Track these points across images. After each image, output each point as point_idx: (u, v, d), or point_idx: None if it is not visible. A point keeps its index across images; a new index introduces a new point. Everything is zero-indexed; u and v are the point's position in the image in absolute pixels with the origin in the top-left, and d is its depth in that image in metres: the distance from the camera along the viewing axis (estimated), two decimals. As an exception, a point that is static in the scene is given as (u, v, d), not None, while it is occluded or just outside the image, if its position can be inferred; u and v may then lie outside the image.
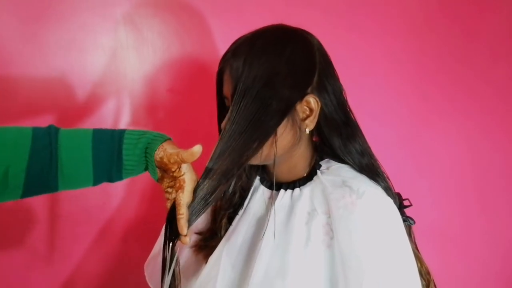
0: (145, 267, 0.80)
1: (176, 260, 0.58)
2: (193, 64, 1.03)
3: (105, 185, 0.97)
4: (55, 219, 0.96)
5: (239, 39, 0.62)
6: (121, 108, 0.98)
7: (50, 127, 0.55)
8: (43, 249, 0.97)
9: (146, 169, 0.59)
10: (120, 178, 0.58)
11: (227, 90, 0.61)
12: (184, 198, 0.56)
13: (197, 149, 0.55)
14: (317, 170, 0.64)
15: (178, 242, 0.57)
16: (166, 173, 0.58)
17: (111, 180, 0.58)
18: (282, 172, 0.66)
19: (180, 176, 0.56)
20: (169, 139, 0.59)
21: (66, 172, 0.54)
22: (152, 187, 1.02)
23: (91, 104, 0.95)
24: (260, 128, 0.56)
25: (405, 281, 0.56)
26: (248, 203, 0.68)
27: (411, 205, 0.64)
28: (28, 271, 0.97)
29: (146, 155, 0.57)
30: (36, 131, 0.54)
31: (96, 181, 0.57)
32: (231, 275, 0.63)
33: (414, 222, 0.62)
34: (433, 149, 1.23)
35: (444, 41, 1.19)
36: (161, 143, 0.57)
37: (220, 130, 0.67)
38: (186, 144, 1.04)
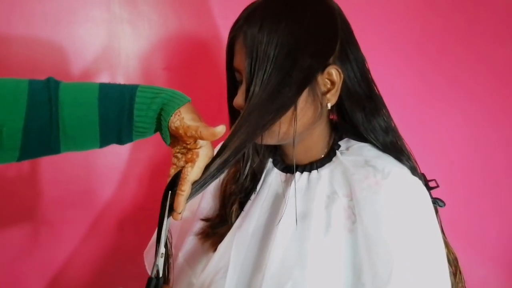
0: (144, 255, 0.75)
1: (167, 239, 0.52)
2: (191, 40, 0.96)
3: (101, 170, 0.93)
4: (48, 205, 0.90)
5: (251, 5, 0.56)
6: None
7: (49, 80, 0.48)
8: (37, 237, 0.91)
9: (157, 130, 0.52)
10: (130, 140, 0.51)
11: (239, 61, 0.55)
12: (192, 174, 0.50)
13: (220, 129, 0.49)
14: (336, 151, 0.59)
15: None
16: (179, 141, 0.51)
17: (120, 142, 0.51)
18: (298, 153, 0.60)
19: (195, 149, 0.50)
20: (189, 101, 0.52)
21: (69, 133, 0.47)
22: (150, 172, 0.96)
23: (82, 80, 0.89)
24: (277, 100, 0.50)
25: (435, 268, 0.52)
26: (261, 187, 0.63)
27: (437, 186, 0.60)
28: (21, 259, 0.91)
29: (160, 117, 0.50)
30: (33, 84, 0.47)
31: (103, 143, 0.50)
32: (243, 265, 0.59)
33: (444, 204, 0.58)
34: (437, 132, 1.21)
35: (446, 25, 1.15)
36: (179, 107, 0.50)
37: (230, 107, 0.61)
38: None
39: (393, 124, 0.60)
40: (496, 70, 1.23)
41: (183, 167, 0.51)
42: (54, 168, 0.89)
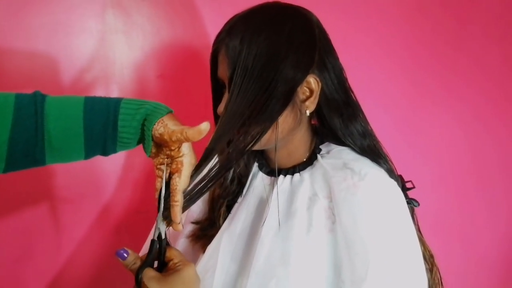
0: None
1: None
2: (184, 49, 1.00)
3: (96, 175, 0.96)
4: (44, 210, 0.93)
5: (233, 17, 0.59)
6: (109, 94, 0.94)
7: (35, 94, 0.50)
8: (35, 241, 0.93)
9: (140, 141, 0.54)
10: (114, 151, 0.53)
11: (222, 71, 0.58)
12: (181, 184, 0.52)
13: (205, 126, 0.50)
14: (317, 154, 0.62)
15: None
16: (161, 149, 0.53)
17: (104, 153, 0.53)
18: (281, 157, 0.63)
19: (178, 157, 0.52)
20: (171, 111, 0.54)
21: (55, 145, 0.49)
22: (145, 176, 0.99)
23: (78, 90, 0.92)
24: (265, 113, 0.53)
25: (410, 265, 0.55)
26: (247, 190, 0.66)
27: (414, 187, 0.63)
28: (19, 262, 0.93)
29: (143, 127, 0.52)
30: (19, 98, 0.48)
31: (88, 155, 0.52)
32: (230, 264, 0.61)
33: (418, 204, 0.61)
34: (429, 134, 1.23)
35: (437, 27, 1.18)
36: (162, 116, 0.52)
37: (215, 115, 0.64)
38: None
39: (370, 129, 0.63)
40: (487, 72, 1.25)
41: (170, 178, 0.53)
42: (50, 173, 0.92)
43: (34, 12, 0.87)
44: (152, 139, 0.52)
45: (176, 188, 0.52)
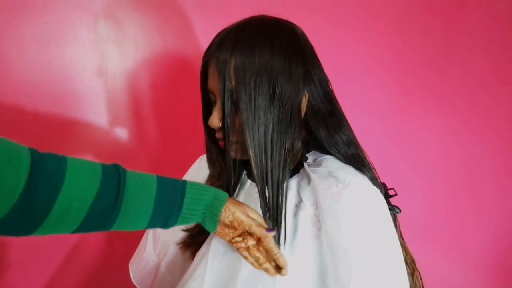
0: (130, 265, 0.79)
1: None
2: (175, 59, 1.02)
3: None
4: None
5: (222, 31, 0.61)
6: (102, 104, 0.96)
7: (117, 166, 0.53)
8: (26, 248, 0.94)
9: (198, 222, 0.59)
10: (172, 226, 0.57)
11: (213, 84, 0.60)
12: (270, 241, 0.57)
13: (272, 234, 0.57)
14: (304, 163, 0.64)
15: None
16: (227, 229, 0.59)
17: (163, 227, 0.56)
18: None
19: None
20: (228, 196, 0.59)
21: (126, 215, 0.52)
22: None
23: (71, 100, 0.93)
24: (285, 135, 0.57)
25: (392, 270, 0.57)
26: (236, 198, 0.68)
27: (396, 194, 0.65)
28: (11, 270, 0.94)
29: (205, 211, 0.57)
30: (105, 168, 0.51)
31: (149, 226, 0.55)
32: (218, 271, 0.63)
33: (400, 211, 0.63)
34: (419, 141, 1.26)
35: (426, 35, 1.21)
36: (224, 202, 0.57)
37: (205, 125, 0.66)
38: (169, 139, 1.03)
39: (354, 138, 0.65)
40: (475, 79, 1.28)
41: (259, 243, 0.58)
42: None
43: (26, 22, 0.88)
44: (218, 222, 0.57)
45: (272, 247, 0.57)
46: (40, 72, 0.90)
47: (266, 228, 0.57)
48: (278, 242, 0.58)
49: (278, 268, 0.58)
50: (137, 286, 0.76)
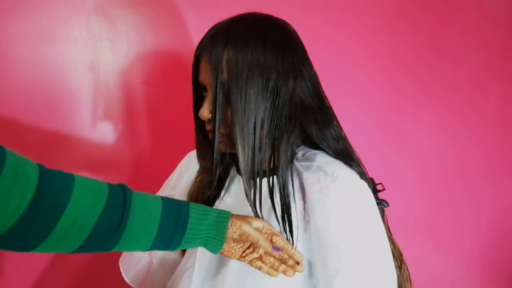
0: (120, 263, 0.78)
1: None
2: (168, 56, 1.02)
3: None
4: None
5: (215, 25, 0.62)
6: (94, 101, 0.96)
7: (124, 187, 0.52)
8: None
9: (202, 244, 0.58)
10: (175, 249, 0.56)
11: (205, 77, 0.60)
12: (279, 239, 0.58)
13: (276, 253, 0.58)
14: (293, 157, 0.65)
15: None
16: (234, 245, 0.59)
17: (166, 249, 0.56)
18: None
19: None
20: (231, 213, 0.59)
21: (130, 236, 0.51)
22: (132, 181, 1.01)
23: (63, 97, 0.93)
24: (282, 131, 0.59)
25: (379, 262, 0.58)
26: (225, 193, 0.69)
27: (384, 189, 0.66)
28: (1, 267, 0.94)
29: (208, 232, 0.57)
30: (112, 188, 0.51)
31: (152, 248, 0.55)
32: (208, 265, 0.64)
33: (388, 205, 0.65)
34: (413, 137, 1.28)
35: (417, 32, 1.22)
36: (228, 218, 0.57)
37: (196, 119, 0.67)
38: (162, 136, 1.03)
39: (343, 134, 0.66)
40: (466, 74, 1.30)
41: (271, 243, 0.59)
42: None
43: (18, 19, 0.88)
44: (226, 239, 0.57)
45: (281, 244, 0.58)
46: (33, 69, 0.90)
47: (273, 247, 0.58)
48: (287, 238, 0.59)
49: (292, 266, 0.59)
50: (131, 284, 0.77)
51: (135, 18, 0.98)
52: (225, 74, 0.57)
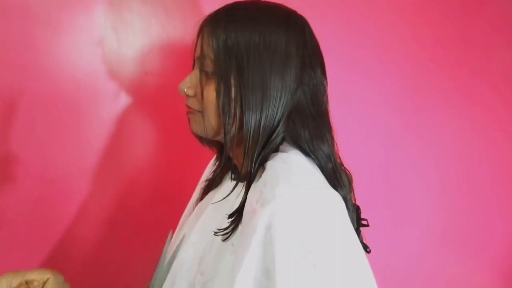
0: None
1: None
2: (174, 46, 1.01)
3: (84, 171, 0.98)
4: (30, 203, 0.96)
5: (232, 3, 0.61)
6: (98, 91, 0.97)
7: None
8: (14, 236, 0.96)
9: None
10: None
11: (205, 47, 0.59)
12: None
13: None
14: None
15: None
16: None
17: None
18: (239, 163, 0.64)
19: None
20: None
21: None
22: (131, 172, 1.03)
23: (67, 87, 0.94)
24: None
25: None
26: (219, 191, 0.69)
27: (367, 225, 0.60)
28: (8, 248, 0.98)
29: None
30: None
31: None
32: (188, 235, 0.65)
33: (370, 251, 0.58)
34: (428, 138, 1.25)
35: (437, 33, 1.17)
36: None
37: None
38: (166, 126, 1.04)
39: (334, 152, 0.60)
40: (487, 79, 1.24)
41: None
42: (37, 167, 0.94)
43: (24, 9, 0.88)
44: None
45: None
46: (37, 59, 0.91)
47: None
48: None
49: None
50: None
51: (140, 8, 0.96)
52: (228, 55, 0.56)
